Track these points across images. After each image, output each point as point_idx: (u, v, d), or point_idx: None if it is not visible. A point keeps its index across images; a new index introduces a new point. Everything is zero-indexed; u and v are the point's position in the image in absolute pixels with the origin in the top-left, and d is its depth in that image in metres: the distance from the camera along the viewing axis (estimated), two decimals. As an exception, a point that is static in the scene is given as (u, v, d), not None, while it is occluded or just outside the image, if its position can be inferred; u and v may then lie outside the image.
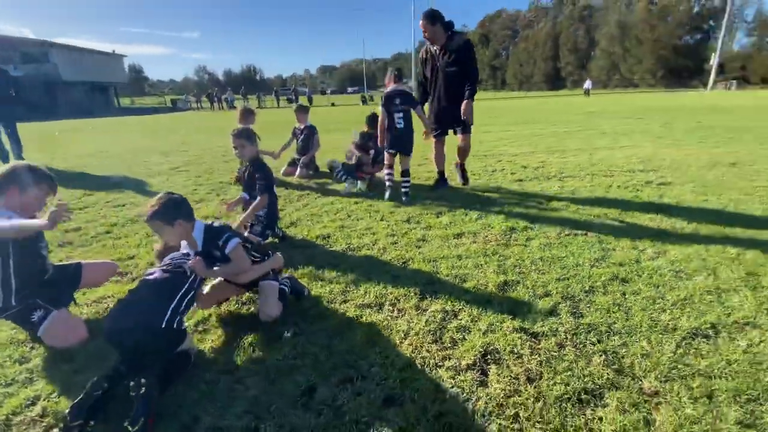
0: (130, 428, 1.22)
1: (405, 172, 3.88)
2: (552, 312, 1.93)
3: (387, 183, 4.01)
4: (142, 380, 1.33)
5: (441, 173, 4.35)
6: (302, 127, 5.52)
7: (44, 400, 1.50)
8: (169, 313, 1.53)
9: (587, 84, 33.45)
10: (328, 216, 3.53)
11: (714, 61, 36.62)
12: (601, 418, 1.30)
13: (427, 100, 4.16)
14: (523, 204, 3.70)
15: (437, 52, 3.89)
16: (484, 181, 4.69)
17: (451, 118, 3.97)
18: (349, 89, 79.43)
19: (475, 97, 3.84)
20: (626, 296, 2.04)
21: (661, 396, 1.39)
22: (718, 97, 23.86)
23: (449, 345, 1.73)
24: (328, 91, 75.07)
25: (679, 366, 1.53)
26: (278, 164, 5.31)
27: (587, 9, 52.82)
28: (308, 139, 5.44)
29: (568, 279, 2.24)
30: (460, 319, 1.91)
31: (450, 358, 1.64)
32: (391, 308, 2.04)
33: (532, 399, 1.40)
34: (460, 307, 2.01)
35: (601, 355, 1.60)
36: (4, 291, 1.73)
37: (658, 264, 2.37)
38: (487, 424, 1.31)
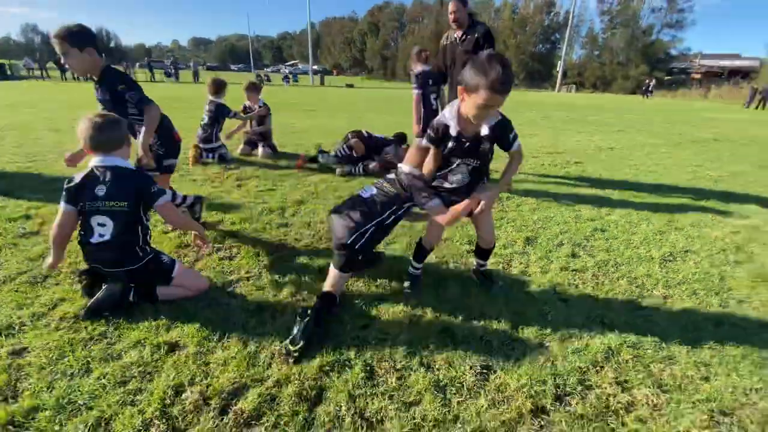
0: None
1: None
2: (574, 255, 2.58)
3: None
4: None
5: None
6: (255, 106, 5.33)
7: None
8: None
9: None
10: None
11: (560, 68, 44.63)
12: (650, 309, 1.97)
13: (440, 88, 4.12)
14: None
15: (457, 39, 3.71)
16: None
17: None
18: (234, 66, 73.15)
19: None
20: (610, 240, 2.83)
21: (670, 297, 2.12)
22: (565, 97, 29.38)
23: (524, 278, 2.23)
24: (203, 66, 67.41)
25: (669, 279, 2.31)
26: (232, 144, 5.12)
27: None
28: (264, 117, 5.32)
29: (567, 232, 2.94)
30: (519, 265, 2.41)
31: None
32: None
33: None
34: (517, 258, 2.52)
35: (623, 279, 2.30)
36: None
37: (614, 218, 3.27)
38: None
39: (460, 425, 1.30)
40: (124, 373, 1.45)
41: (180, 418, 1.27)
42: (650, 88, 32.09)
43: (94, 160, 1.84)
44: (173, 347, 1.60)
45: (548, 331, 1.78)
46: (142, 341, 1.61)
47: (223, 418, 1.28)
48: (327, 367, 1.51)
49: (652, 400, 1.43)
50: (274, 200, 3.41)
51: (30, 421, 1.24)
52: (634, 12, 40.73)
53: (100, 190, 1.79)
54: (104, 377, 1.42)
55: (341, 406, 1.35)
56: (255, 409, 1.32)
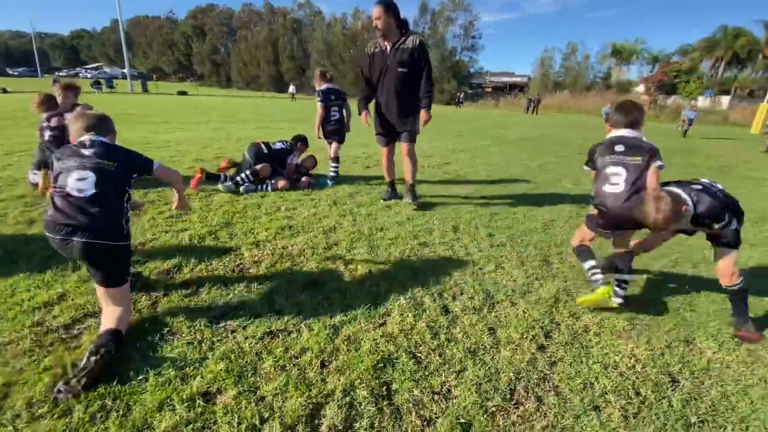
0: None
1: (335, 159, 4.76)
2: (490, 235, 3.27)
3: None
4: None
5: (391, 183, 4.15)
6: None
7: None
8: None
9: (291, 89, 35.35)
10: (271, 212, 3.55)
11: (391, 80, 49.81)
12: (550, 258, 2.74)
13: (370, 99, 3.84)
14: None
15: (388, 49, 3.51)
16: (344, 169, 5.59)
17: (399, 125, 3.71)
18: (12, 70, 56.00)
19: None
20: (510, 220, 3.66)
21: (562, 252, 2.98)
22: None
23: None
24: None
25: (550, 240, 3.20)
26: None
27: (296, 23, 59.05)
28: None
29: (476, 218, 3.66)
30: (461, 249, 2.95)
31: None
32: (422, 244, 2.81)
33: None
34: (456, 243, 3.04)
35: (531, 245, 3.08)
36: None
37: (524, 201, 4.17)
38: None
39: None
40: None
41: None
42: (461, 100, 39.26)
43: (84, 136, 1.81)
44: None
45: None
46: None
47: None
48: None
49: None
50: (196, 227, 3.10)
51: None
52: (441, 36, 48.64)
53: (87, 151, 1.75)
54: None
55: (409, 384, 1.55)
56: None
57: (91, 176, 1.68)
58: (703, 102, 34.47)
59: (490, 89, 53.99)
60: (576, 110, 36.59)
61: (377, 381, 1.57)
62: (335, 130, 4.79)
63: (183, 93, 31.24)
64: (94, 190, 1.67)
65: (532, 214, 3.91)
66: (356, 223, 3.36)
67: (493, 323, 2.03)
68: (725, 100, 35.58)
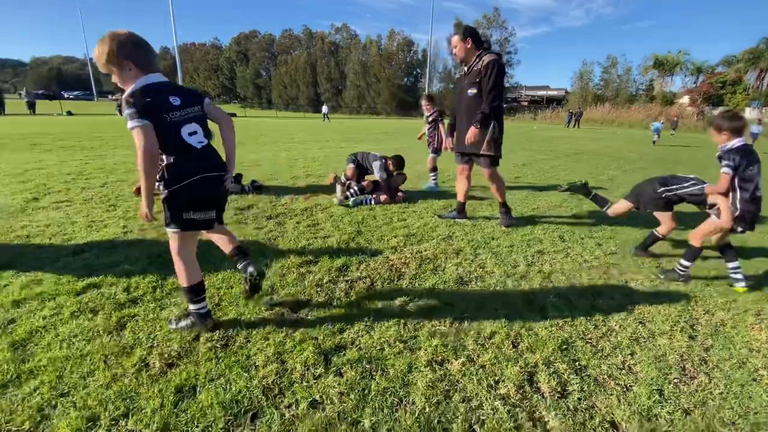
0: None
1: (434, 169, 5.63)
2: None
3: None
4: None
5: (460, 204, 4.13)
6: None
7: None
8: None
9: (324, 109, 34.04)
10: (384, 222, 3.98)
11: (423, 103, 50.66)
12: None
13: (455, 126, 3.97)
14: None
15: (464, 72, 3.66)
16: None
17: (466, 147, 3.68)
18: (68, 94, 61.63)
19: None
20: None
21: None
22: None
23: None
24: (26, 94, 55.01)
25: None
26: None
27: (333, 45, 61.70)
28: None
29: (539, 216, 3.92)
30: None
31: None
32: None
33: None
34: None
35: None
36: None
37: (579, 208, 4.41)
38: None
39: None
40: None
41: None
42: (498, 114, 39.31)
43: (151, 77, 1.72)
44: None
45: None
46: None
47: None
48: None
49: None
50: (336, 234, 3.57)
51: None
52: (476, 53, 49.35)
53: (175, 100, 1.73)
54: (420, 389, 1.63)
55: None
56: (550, 378, 1.74)
57: (198, 129, 1.81)
58: (750, 113, 32.81)
59: (525, 103, 53.69)
60: (618, 123, 35.75)
61: (567, 358, 1.90)
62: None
63: (233, 114, 33.34)
64: (207, 140, 1.86)
65: (627, 224, 4.12)
66: (467, 233, 3.72)
67: (641, 318, 2.31)
68: (774, 111, 33.69)
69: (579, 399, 1.63)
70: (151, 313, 2.12)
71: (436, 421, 1.48)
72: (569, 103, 43.46)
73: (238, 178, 5.22)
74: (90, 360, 1.73)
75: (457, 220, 4.11)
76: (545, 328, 2.14)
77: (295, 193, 5.12)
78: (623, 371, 1.83)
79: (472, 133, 3.52)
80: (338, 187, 4.84)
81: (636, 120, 35.18)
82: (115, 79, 1.73)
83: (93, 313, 2.10)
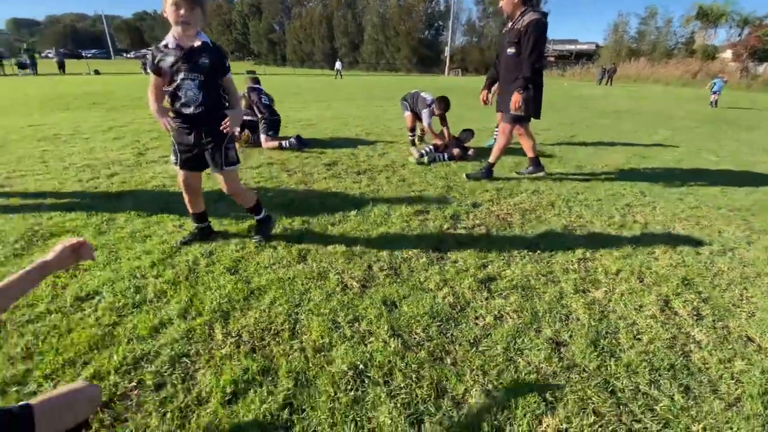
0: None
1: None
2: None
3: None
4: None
5: (532, 159, 4.22)
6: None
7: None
8: None
9: (338, 65, 32.86)
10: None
11: (447, 53, 48.66)
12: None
13: (494, 80, 4.10)
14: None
15: (508, 29, 3.65)
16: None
17: (503, 106, 3.82)
18: (85, 52, 61.23)
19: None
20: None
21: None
22: (455, 80, 32.56)
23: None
24: (55, 53, 54.82)
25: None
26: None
27: (352, -4, 58.77)
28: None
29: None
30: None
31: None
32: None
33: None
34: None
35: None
36: None
37: (683, 171, 4.56)
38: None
39: None
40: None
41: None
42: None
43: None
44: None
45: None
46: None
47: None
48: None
49: None
50: (431, 188, 3.84)
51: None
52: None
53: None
54: (577, 309, 1.96)
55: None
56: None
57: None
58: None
59: (553, 58, 51.08)
60: (653, 80, 33.99)
61: (691, 291, 2.19)
62: None
63: (252, 72, 32.84)
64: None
65: (699, 181, 4.28)
66: (551, 188, 3.94)
67: (744, 262, 2.57)
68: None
69: (713, 320, 1.94)
70: (321, 247, 2.48)
71: (604, 332, 1.82)
72: (601, 59, 41.22)
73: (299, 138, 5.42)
74: (299, 281, 2.11)
75: (536, 174, 4.28)
76: (663, 267, 2.43)
77: (369, 149, 5.35)
78: (743, 301, 2.12)
79: (514, 100, 3.58)
80: (413, 148, 5.07)
81: (673, 77, 33.37)
82: (189, 17, 1.94)
83: (273, 248, 2.47)
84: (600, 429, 1.33)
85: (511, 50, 3.59)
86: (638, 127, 8.43)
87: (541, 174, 4.27)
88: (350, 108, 10.30)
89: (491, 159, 4.14)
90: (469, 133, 5.54)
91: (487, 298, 2.05)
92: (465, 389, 1.46)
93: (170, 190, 3.47)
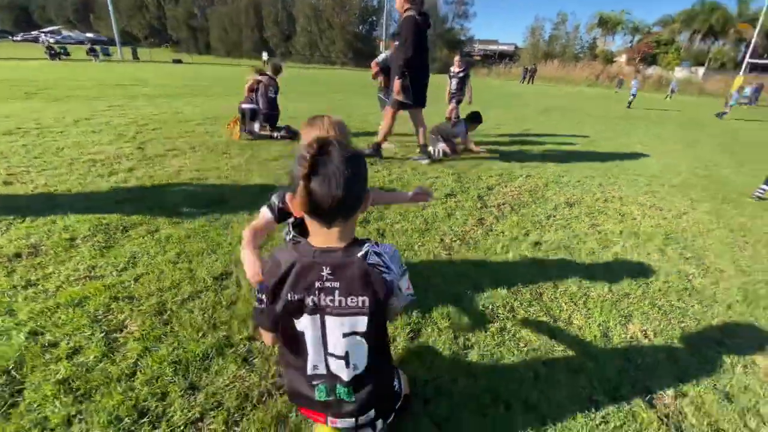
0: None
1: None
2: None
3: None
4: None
5: (421, 146, 4.83)
6: None
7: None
8: None
9: (265, 56, 31.71)
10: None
11: (382, 48, 49.37)
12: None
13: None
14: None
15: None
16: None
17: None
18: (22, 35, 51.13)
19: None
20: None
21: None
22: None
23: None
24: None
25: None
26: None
27: (280, -16, 56.62)
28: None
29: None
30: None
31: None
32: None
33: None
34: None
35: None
36: None
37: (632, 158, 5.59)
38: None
39: (721, 239, 3.13)
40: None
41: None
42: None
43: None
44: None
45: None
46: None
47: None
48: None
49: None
50: (448, 180, 4.34)
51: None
52: (433, 1, 48.41)
53: None
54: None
55: (689, 243, 2.99)
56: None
57: None
58: (680, 73, 36.87)
59: (479, 57, 54.63)
60: (566, 81, 38.20)
61: (676, 245, 2.98)
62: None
63: (178, 61, 30.39)
64: None
65: (641, 164, 5.35)
66: (538, 174, 4.68)
67: (698, 222, 3.47)
68: (700, 71, 38.11)
69: (695, 259, 2.72)
70: (395, 226, 2.84)
71: (635, 272, 2.47)
72: (522, 59, 45.19)
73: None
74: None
75: (423, 161, 4.69)
76: (648, 227, 3.22)
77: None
78: (707, 247, 2.96)
79: (395, 86, 4.17)
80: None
81: (581, 78, 37.83)
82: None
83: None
84: (662, 325, 1.94)
85: (395, 42, 4.29)
86: (573, 122, 9.80)
87: (425, 162, 4.71)
88: (321, 102, 10.37)
89: (378, 138, 4.63)
90: (461, 125, 6.10)
91: (540, 256, 2.61)
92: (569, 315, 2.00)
93: (214, 182, 3.53)
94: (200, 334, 1.66)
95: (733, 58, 38.13)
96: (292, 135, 5.41)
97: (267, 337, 1.07)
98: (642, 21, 45.06)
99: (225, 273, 2.13)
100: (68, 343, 1.56)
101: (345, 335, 0.97)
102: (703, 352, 1.80)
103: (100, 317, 1.73)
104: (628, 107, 15.46)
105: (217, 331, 1.70)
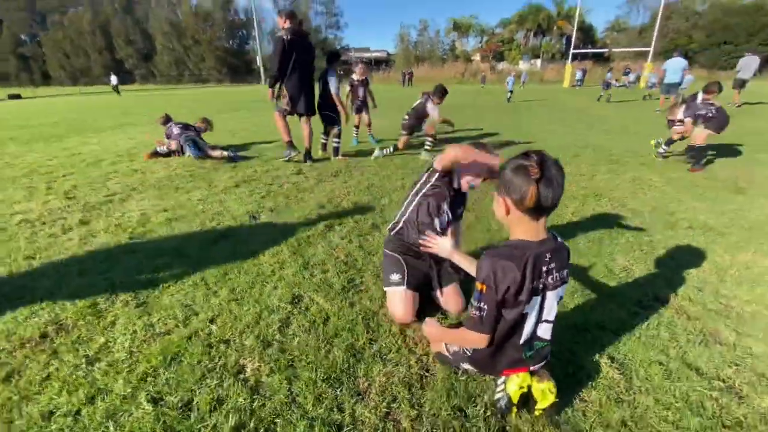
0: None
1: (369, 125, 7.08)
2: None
3: None
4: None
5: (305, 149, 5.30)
6: None
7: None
8: None
9: (113, 80, 29.44)
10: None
11: (259, 63, 47.82)
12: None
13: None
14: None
15: None
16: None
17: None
18: None
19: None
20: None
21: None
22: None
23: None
24: None
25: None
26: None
27: (126, 1, 50.59)
28: None
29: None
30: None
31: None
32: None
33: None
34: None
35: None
36: None
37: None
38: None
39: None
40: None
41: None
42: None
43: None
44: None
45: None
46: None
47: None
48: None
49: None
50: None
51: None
52: (304, 13, 48.63)
53: None
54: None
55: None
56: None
57: None
58: (524, 65, 43.86)
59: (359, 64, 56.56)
60: (437, 81, 41.96)
61: (675, 208, 3.86)
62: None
63: (17, 96, 25.03)
64: None
65: (582, 146, 6.52)
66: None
67: (677, 188, 4.49)
68: (538, 63, 45.84)
69: (699, 222, 3.61)
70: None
71: (670, 242, 3.20)
72: (397, 64, 48.40)
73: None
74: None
75: (290, 158, 5.25)
76: (646, 203, 4.08)
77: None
78: (689, 210, 3.91)
79: (269, 93, 4.86)
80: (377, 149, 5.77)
81: (449, 77, 42.17)
82: None
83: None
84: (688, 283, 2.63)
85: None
86: (482, 118, 11.14)
87: (293, 154, 5.26)
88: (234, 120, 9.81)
89: (305, 146, 5.22)
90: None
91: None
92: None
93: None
94: (323, 352, 1.74)
95: (560, 50, 46.73)
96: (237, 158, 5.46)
97: (476, 337, 1.27)
98: (487, 24, 52.25)
99: (294, 297, 2.17)
100: (209, 397, 1.50)
101: (557, 303, 1.30)
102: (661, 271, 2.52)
103: (210, 366, 1.67)
104: (508, 102, 17.64)
105: (332, 344, 1.79)
